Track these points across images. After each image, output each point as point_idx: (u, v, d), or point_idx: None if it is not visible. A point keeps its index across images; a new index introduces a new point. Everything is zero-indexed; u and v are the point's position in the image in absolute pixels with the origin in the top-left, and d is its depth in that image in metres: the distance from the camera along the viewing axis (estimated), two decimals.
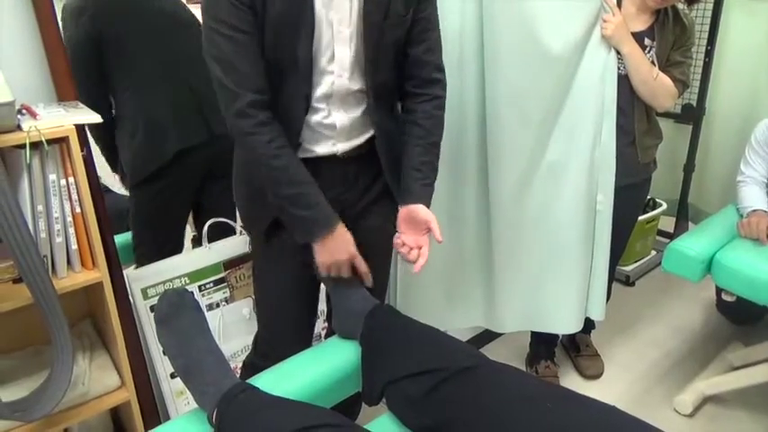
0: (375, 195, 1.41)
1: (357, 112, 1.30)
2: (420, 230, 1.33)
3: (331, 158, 1.32)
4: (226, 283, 1.85)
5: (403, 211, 1.33)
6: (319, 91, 1.24)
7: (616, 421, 0.95)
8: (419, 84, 1.32)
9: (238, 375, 1.35)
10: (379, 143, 1.34)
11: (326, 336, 1.80)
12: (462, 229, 1.89)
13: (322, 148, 1.30)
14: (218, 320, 1.84)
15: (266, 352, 1.48)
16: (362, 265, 1.34)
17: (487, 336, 2.31)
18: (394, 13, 1.21)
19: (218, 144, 1.72)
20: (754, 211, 1.92)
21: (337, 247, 1.29)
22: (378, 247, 1.45)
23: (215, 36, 1.12)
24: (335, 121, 1.28)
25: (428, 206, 1.32)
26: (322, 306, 1.77)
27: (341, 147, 1.32)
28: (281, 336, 1.47)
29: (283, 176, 1.21)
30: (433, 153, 1.35)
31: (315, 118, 1.26)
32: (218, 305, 1.85)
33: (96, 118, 1.26)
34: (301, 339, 1.48)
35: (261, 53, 1.16)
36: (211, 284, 1.84)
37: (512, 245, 1.85)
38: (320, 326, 1.96)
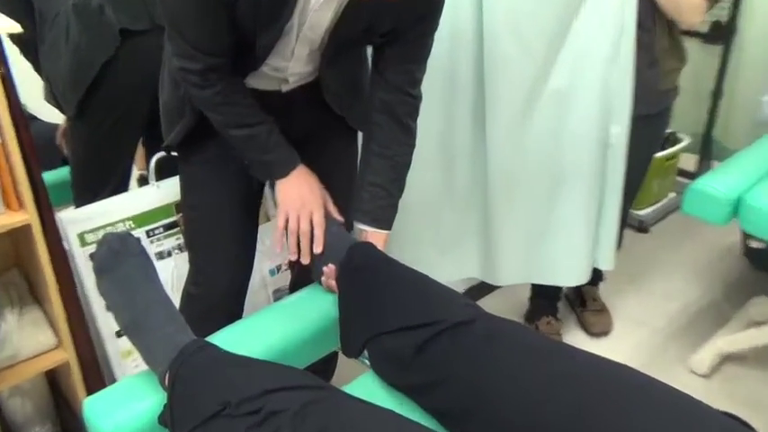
0: (327, 120, 1.48)
1: (311, 67, 1.38)
2: None
3: (272, 93, 1.40)
4: (179, 228, 1.85)
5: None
6: (272, 63, 1.33)
7: (627, 377, 0.96)
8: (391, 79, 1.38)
9: None
10: (332, 99, 1.43)
11: (291, 287, 1.81)
12: (454, 171, 1.90)
13: (264, 86, 1.39)
14: (171, 272, 1.84)
15: (197, 279, 1.54)
16: (330, 204, 1.41)
17: (483, 289, 2.33)
18: (372, 32, 1.29)
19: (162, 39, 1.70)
20: None
21: (301, 187, 1.36)
22: (339, 179, 1.51)
23: None
24: (286, 76, 1.37)
25: (385, 230, 1.40)
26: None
27: (286, 87, 1.41)
28: (212, 253, 1.52)
29: (232, 120, 1.31)
30: (400, 172, 1.42)
31: (263, 69, 1.34)
32: (169, 254, 1.86)
33: (15, 27, 1.22)
34: (238, 260, 1.54)
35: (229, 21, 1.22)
36: (161, 229, 1.84)
37: (510, 187, 1.86)
38: (284, 280, 2.00)
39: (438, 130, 1.83)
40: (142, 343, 1.17)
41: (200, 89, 1.27)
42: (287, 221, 1.35)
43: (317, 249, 1.35)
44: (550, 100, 1.75)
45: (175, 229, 1.85)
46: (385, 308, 1.19)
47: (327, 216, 1.39)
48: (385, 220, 1.41)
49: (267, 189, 1.67)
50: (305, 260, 1.36)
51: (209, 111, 1.32)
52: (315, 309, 1.35)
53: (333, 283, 1.34)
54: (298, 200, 1.35)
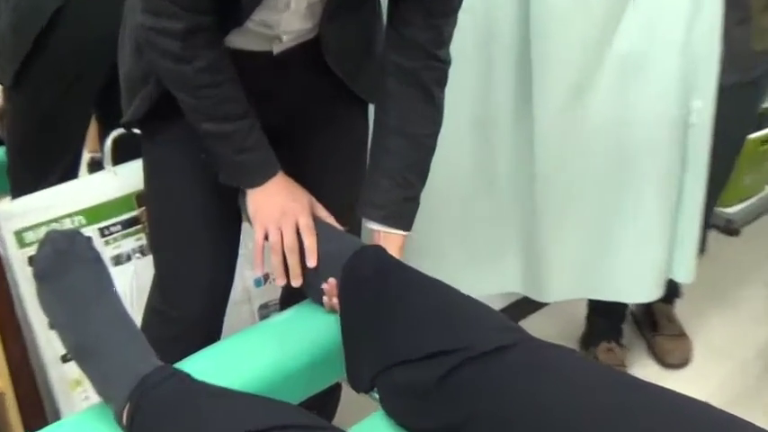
0: (330, 90, 1.49)
1: (310, 23, 1.39)
2: None
3: (260, 55, 1.41)
4: (141, 226, 1.85)
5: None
6: (261, 17, 1.33)
7: (712, 420, 0.94)
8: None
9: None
10: (336, 62, 1.44)
11: (282, 302, 1.82)
12: (491, 158, 1.93)
13: (251, 46, 1.40)
14: (130, 280, 1.84)
15: (165, 292, 1.57)
16: (320, 209, 1.43)
17: (526, 306, 2.34)
18: None
19: None
20: None
21: (279, 196, 1.38)
22: (343, 168, 1.55)
23: None
24: (278, 33, 1.38)
25: (402, 230, 1.42)
26: None
27: (278, 48, 1.41)
28: (184, 259, 1.54)
29: (210, 110, 1.32)
30: (423, 155, 1.44)
31: (249, 25, 1.35)
32: (128, 258, 1.86)
33: None
34: (218, 268, 1.55)
35: None
36: (119, 227, 1.84)
37: (562, 178, 1.88)
38: (273, 292, 2.00)
39: (471, 106, 1.86)
40: (94, 369, 1.17)
41: (177, 61, 1.27)
42: (267, 235, 1.37)
43: (310, 263, 1.36)
44: (614, 68, 1.76)
45: (136, 227, 1.85)
46: (399, 330, 1.19)
47: (318, 221, 1.41)
48: (402, 217, 1.42)
49: None
50: (296, 283, 1.37)
51: (182, 92, 1.32)
52: (312, 329, 1.36)
53: (335, 301, 1.34)
54: (276, 210, 1.37)
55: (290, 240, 1.35)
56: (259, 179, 1.39)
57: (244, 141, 1.35)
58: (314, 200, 1.43)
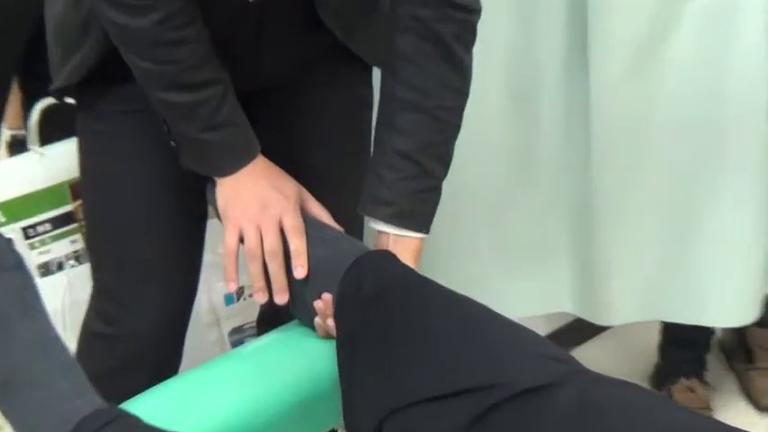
0: (323, 52, 1.52)
1: None
2: None
3: (233, 4, 1.41)
4: (76, 225, 1.85)
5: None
6: None
7: None
8: None
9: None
10: (330, 16, 1.45)
11: (260, 324, 1.84)
12: (533, 141, 1.95)
13: None
14: (62, 295, 1.85)
15: (108, 311, 1.56)
16: (312, 202, 1.44)
17: (580, 331, 2.37)
18: None
19: None
20: None
21: (257, 186, 1.38)
22: (339, 154, 1.57)
23: None
24: None
25: (417, 232, 1.41)
26: None
27: None
28: (132, 270, 1.53)
29: (171, 75, 1.32)
30: (445, 135, 1.43)
31: None
32: (60, 266, 1.87)
33: None
34: (174, 280, 1.56)
35: None
36: (48, 226, 1.84)
37: (625, 165, 1.89)
38: (247, 311, 2.00)
39: (506, 70, 1.87)
40: (15, 410, 1.16)
41: (129, 13, 1.26)
42: (242, 239, 1.37)
43: (299, 273, 1.35)
44: (695, 22, 1.76)
45: (71, 227, 1.85)
46: (415, 361, 1.17)
47: (309, 218, 1.41)
48: (417, 215, 1.41)
49: None
50: (280, 299, 1.37)
51: (135, 54, 1.32)
52: (299, 360, 1.35)
53: (330, 323, 1.32)
54: (254, 204, 1.37)
55: (271, 243, 1.35)
56: (233, 164, 1.39)
57: (213, 115, 1.35)
58: (303, 190, 1.43)
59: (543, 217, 2.01)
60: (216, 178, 1.40)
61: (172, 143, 1.39)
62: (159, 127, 1.40)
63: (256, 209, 1.36)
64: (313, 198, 1.44)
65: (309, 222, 1.40)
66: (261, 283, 1.36)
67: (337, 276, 1.31)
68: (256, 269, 1.36)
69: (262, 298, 1.37)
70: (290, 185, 1.41)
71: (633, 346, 2.36)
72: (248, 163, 1.39)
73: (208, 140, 1.37)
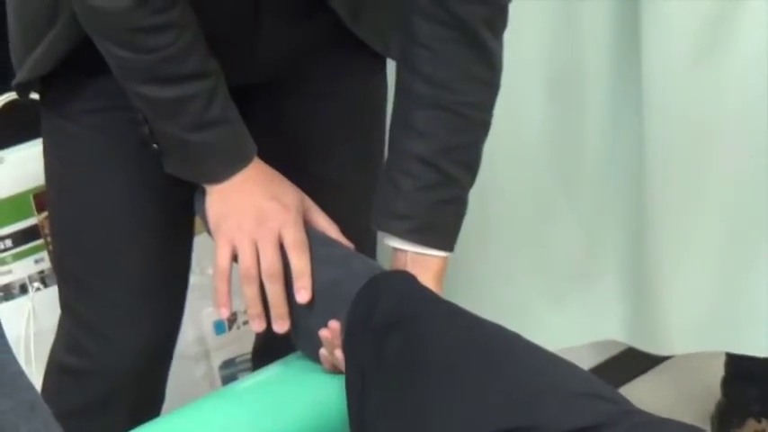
0: (327, 40, 1.51)
1: None
2: None
3: None
4: (41, 240, 1.87)
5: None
6: None
7: None
8: None
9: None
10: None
11: (256, 357, 1.84)
12: (577, 138, 1.96)
13: None
14: (26, 320, 1.88)
15: (80, 341, 1.55)
16: (316, 213, 1.44)
17: (632, 363, 2.42)
18: None
19: None
20: None
21: (253, 194, 1.39)
22: (345, 163, 1.58)
23: None
24: None
25: (440, 250, 1.41)
26: None
27: None
28: (108, 296, 1.53)
29: (157, 66, 1.31)
30: (471, 136, 1.43)
31: None
32: (24, 289, 1.89)
33: None
34: (157, 307, 1.56)
35: None
36: (9, 242, 1.87)
37: (688, 167, 1.90)
38: (241, 342, 1.98)
39: (545, 55, 1.88)
40: None
41: None
42: (235, 257, 1.36)
43: (302, 297, 1.34)
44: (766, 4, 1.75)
45: (35, 243, 1.88)
46: (435, 403, 1.15)
47: (314, 233, 1.40)
48: (439, 229, 1.40)
49: None
50: (280, 326, 1.36)
51: (112, 41, 1.31)
52: (300, 400, 1.34)
53: (339, 355, 1.32)
54: (249, 216, 1.36)
55: (270, 262, 1.33)
56: (224, 169, 1.37)
57: (201, 113, 1.34)
58: (307, 199, 1.42)
59: (589, 231, 2.03)
60: (205, 186, 1.39)
61: (154, 146, 1.37)
62: (139, 127, 1.38)
63: (252, 222, 1.35)
64: (318, 208, 1.42)
65: (314, 237, 1.38)
66: (257, 308, 1.35)
67: (347, 301, 1.32)
68: (252, 292, 1.34)
69: (259, 326, 1.36)
70: (291, 194, 1.40)
71: (693, 381, 2.40)
72: (243, 168, 1.37)
73: (195, 142, 1.35)
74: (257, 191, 1.38)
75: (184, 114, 1.33)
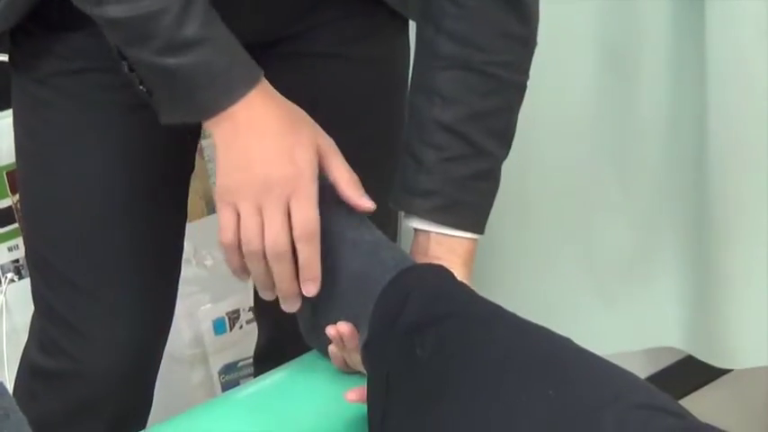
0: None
1: None
2: None
3: None
4: (16, 224, 1.88)
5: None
6: None
7: None
8: None
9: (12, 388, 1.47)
10: None
11: (257, 360, 1.86)
12: (631, 121, 1.98)
13: None
14: None
15: (57, 340, 1.54)
16: (344, 173, 1.32)
17: (693, 373, 2.44)
18: None
19: None
20: None
21: (265, 132, 1.29)
22: (365, 128, 1.55)
23: None
24: None
25: (469, 233, 1.39)
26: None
27: None
28: (89, 289, 1.51)
29: None
30: (502, 101, 1.40)
31: None
32: None
33: None
34: (144, 302, 1.55)
35: None
36: None
37: (752, 169, 1.94)
38: (243, 343, 1.95)
39: (594, 21, 1.87)
40: None
41: None
42: (239, 221, 1.27)
43: (309, 290, 1.28)
44: None
45: (9, 228, 1.89)
46: (472, 416, 1.11)
47: (337, 204, 1.32)
48: (468, 207, 1.36)
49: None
50: (289, 306, 1.30)
51: None
52: (310, 409, 1.33)
53: (357, 358, 1.29)
54: (253, 173, 1.29)
55: (274, 239, 1.25)
56: (217, 98, 1.28)
57: (174, 31, 1.25)
58: (325, 141, 1.32)
59: (645, 226, 2.03)
60: (204, 121, 1.29)
61: (140, 87, 1.30)
62: (124, 90, 1.34)
63: (257, 183, 1.27)
64: (337, 152, 1.32)
65: (336, 210, 1.32)
66: (267, 280, 1.29)
67: (372, 296, 1.28)
68: (258, 268, 1.28)
69: (269, 296, 1.30)
70: (305, 146, 1.29)
71: (759, 397, 2.34)
72: (240, 97, 1.26)
73: (173, 67, 1.25)
74: (269, 135, 1.30)
75: (156, 35, 1.24)
